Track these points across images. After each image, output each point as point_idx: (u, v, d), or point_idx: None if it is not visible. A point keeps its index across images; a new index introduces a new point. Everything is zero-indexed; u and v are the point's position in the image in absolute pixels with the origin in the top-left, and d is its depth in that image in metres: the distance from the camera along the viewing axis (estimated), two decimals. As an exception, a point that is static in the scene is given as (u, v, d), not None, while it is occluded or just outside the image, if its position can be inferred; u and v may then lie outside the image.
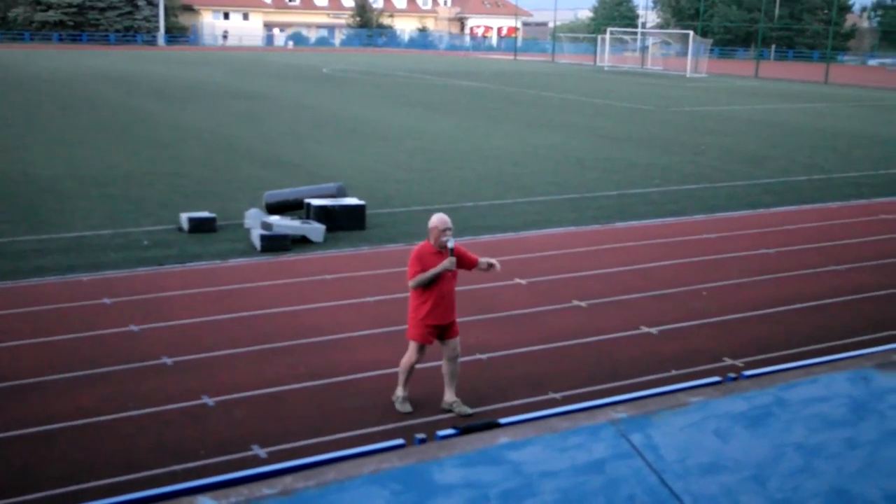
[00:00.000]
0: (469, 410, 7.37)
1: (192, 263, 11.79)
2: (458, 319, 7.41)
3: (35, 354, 8.46)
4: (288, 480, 2.66)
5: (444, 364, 7.42)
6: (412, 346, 7.36)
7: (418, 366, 7.50)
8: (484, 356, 8.72)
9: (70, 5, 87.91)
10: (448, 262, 7.06)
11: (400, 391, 7.50)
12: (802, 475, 3.28)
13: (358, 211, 13.82)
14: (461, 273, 7.39)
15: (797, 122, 32.51)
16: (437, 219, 7.20)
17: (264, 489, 2.61)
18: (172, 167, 18.99)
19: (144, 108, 30.92)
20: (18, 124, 25.41)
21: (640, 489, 2.98)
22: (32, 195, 15.71)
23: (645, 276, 11.79)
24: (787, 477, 3.27)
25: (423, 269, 7.11)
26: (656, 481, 3.02)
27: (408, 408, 7.45)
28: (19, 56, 61.68)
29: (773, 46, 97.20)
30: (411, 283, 7.17)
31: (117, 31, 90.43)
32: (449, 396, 7.45)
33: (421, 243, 7.32)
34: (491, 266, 7.37)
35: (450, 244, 7.10)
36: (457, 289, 7.35)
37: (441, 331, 7.28)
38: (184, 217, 13.56)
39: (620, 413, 3.29)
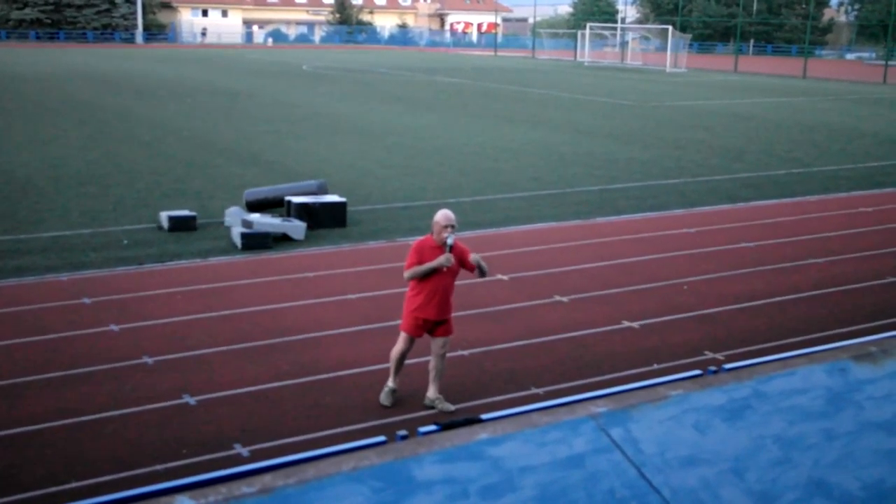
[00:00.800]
0: (451, 407, 7.39)
1: (172, 262, 11.74)
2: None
3: (15, 355, 8.40)
4: (267, 479, 2.65)
5: (431, 360, 7.43)
6: (401, 337, 7.39)
7: (384, 365, 7.43)
8: (465, 352, 8.73)
9: (47, 3, 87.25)
10: (444, 259, 7.04)
11: (390, 382, 7.53)
12: (781, 467, 3.31)
13: (339, 208, 13.79)
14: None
15: (776, 117, 32.71)
16: (441, 214, 7.19)
17: (244, 488, 2.61)
18: (151, 165, 18.88)
19: (123, 105, 30.73)
20: (-5, 123, 25.19)
21: (619, 483, 2.99)
22: (9, 194, 15.58)
23: (626, 270, 11.83)
24: (766, 469, 3.29)
25: (421, 262, 7.10)
26: (635, 475, 3.03)
27: (387, 401, 7.46)
28: (-4, 54, 61.12)
29: (752, 41, 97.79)
30: (406, 274, 7.17)
31: (95, 28, 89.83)
32: (432, 392, 7.46)
33: (424, 236, 7.33)
34: (480, 269, 7.28)
35: (449, 241, 7.07)
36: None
37: (432, 326, 7.28)
38: (164, 215, 13.49)
39: (600, 407, 3.30)
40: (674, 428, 3.32)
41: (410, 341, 7.36)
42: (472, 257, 7.22)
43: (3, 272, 11.08)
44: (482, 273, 7.27)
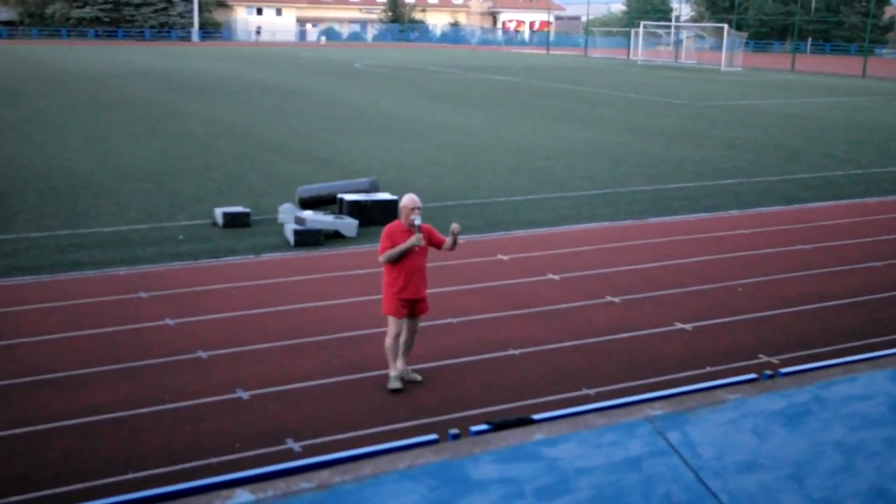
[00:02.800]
0: (418, 377, 7.81)
1: (226, 258, 11.89)
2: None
3: (73, 347, 8.58)
4: (325, 474, 2.67)
5: (404, 335, 7.75)
6: (389, 323, 7.70)
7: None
8: (516, 351, 8.71)
9: (106, 2, 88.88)
10: (415, 238, 7.48)
11: (391, 370, 7.77)
12: (842, 474, 3.24)
13: (390, 206, 13.83)
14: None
15: (834, 117, 32.10)
16: (408, 198, 7.69)
17: (301, 483, 2.63)
18: (206, 162, 19.14)
19: (178, 103, 31.19)
20: (55, 120, 25.74)
21: (676, 487, 2.96)
22: (70, 190, 15.90)
23: (679, 271, 11.71)
24: (826, 476, 3.23)
25: (393, 245, 7.54)
26: (693, 479, 3.00)
27: (397, 385, 7.69)
28: (56, 52, 62.44)
29: (810, 40, 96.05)
30: (381, 258, 7.61)
31: (152, 27, 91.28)
32: (400, 364, 7.75)
33: (392, 222, 7.76)
34: (454, 238, 7.72)
35: (416, 222, 7.51)
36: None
37: (413, 305, 7.66)
38: (218, 212, 13.67)
39: (657, 410, 3.27)
40: (732, 432, 3.27)
41: (398, 324, 7.68)
42: (452, 227, 7.65)
43: (63, 266, 11.31)
44: (455, 243, 7.73)
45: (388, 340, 7.73)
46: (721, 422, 3.28)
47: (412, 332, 7.81)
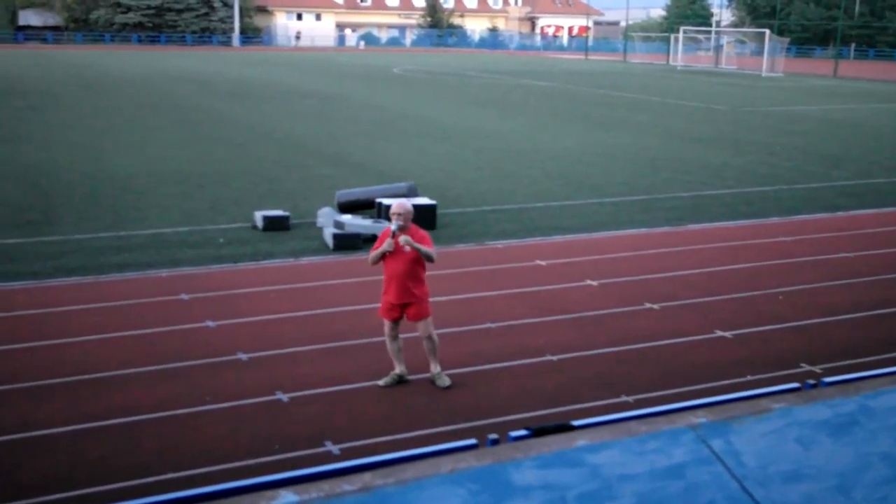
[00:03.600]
0: (448, 382, 7.89)
1: (266, 261, 11.98)
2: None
3: (114, 348, 8.69)
4: (367, 477, 2.68)
5: (399, 340, 7.99)
6: (384, 322, 7.94)
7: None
8: (554, 357, 8.67)
9: (149, 7, 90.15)
10: (386, 244, 7.65)
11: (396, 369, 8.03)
12: (889, 486, 3.19)
13: (428, 211, 13.86)
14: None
15: (878, 123, 31.63)
16: (393, 204, 7.88)
17: (344, 485, 2.64)
18: (246, 166, 19.31)
19: (218, 107, 31.52)
20: (98, 124, 26.12)
21: (720, 495, 2.93)
22: (111, 193, 16.13)
23: (719, 279, 11.60)
24: (873, 487, 3.18)
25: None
26: (737, 488, 2.97)
27: (386, 381, 7.90)
28: (100, 57, 63.41)
29: (853, 45, 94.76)
30: (368, 259, 7.94)
31: (194, 32, 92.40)
32: (433, 368, 7.96)
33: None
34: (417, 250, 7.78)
35: (393, 227, 7.65)
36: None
37: (400, 309, 7.78)
38: (258, 215, 13.78)
39: (700, 418, 3.24)
40: (777, 441, 3.23)
41: (389, 325, 7.89)
42: (403, 239, 7.64)
43: (107, 268, 11.47)
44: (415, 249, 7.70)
45: (386, 341, 8.01)
46: (766, 431, 3.24)
47: (424, 338, 7.91)
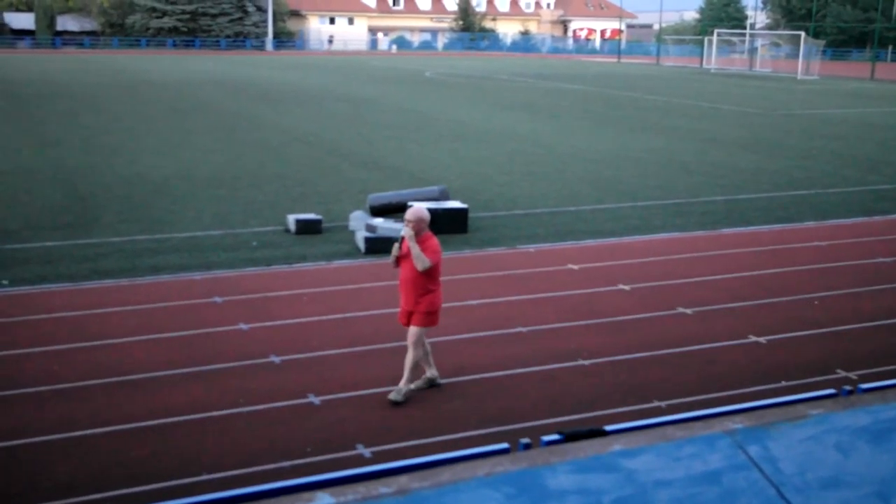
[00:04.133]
0: (437, 377, 7.92)
1: (298, 264, 12.05)
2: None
3: (149, 350, 8.78)
4: (403, 480, 2.69)
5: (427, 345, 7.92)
6: None
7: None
8: (586, 362, 8.64)
9: (184, 12, 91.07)
10: (394, 248, 7.67)
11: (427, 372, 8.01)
12: (930, 494, 3.15)
13: (460, 214, 13.88)
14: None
15: (915, 126, 31.19)
16: (408, 211, 7.70)
17: (381, 488, 2.65)
18: (278, 169, 19.44)
19: (252, 111, 31.75)
20: (133, 127, 26.42)
21: (757, 502, 2.91)
22: (147, 196, 16.30)
23: (753, 283, 11.49)
24: (913, 495, 3.14)
25: None
26: (774, 494, 2.94)
27: (413, 384, 7.80)
28: (135, 61, 64.13)
29: (891, 47, 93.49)
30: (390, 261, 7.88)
31: (228, 36, 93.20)
32: (430, 373, 7.96)
33: None
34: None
35: (401, 233, 7.60)
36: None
37: (406, 315, 7.74)
38: (291, 219, 13.87)
39: (736, 423, 3.22)
40: (814, 448, 3.20)
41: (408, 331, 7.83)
42: (406, 231, 7.50)
43: (141, 270, 11.60)
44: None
45: None
46: (803, 437, 3.21)
47: (408, 344, 7.74)
